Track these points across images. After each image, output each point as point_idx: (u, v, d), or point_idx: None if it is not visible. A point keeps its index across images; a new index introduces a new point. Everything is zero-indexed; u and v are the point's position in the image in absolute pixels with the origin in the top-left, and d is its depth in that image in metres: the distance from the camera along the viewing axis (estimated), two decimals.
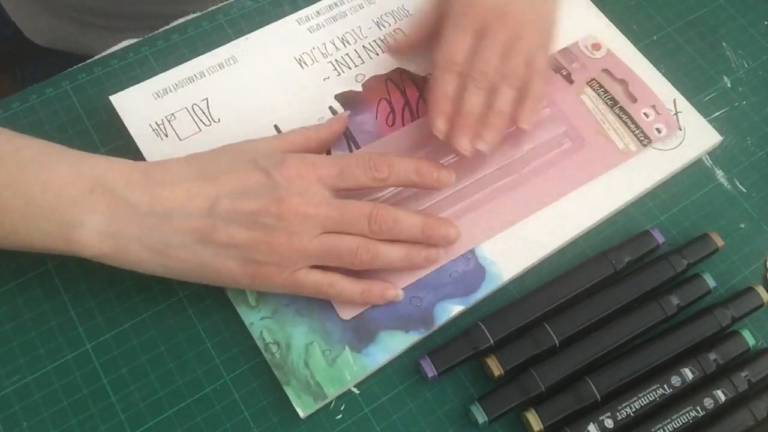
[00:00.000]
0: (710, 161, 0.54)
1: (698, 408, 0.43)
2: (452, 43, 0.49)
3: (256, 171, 0.42)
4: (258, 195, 0.41)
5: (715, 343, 0.45)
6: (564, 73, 0.55)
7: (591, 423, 0.42)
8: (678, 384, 0.44)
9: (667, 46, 0.58)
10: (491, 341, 0.44)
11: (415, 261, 0.45)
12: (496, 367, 0.44)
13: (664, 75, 0.55)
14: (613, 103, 0.53)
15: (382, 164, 0.44)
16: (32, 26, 0.70)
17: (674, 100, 0.54)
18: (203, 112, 0.51)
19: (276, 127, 0.51)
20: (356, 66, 0.54)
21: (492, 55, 0.48)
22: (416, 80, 0.54)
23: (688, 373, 0.44)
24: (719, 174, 0.53)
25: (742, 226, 0.51)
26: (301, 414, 0.42)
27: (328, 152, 0.50)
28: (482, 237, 0.48)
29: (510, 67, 0.48)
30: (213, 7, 0.57)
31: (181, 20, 0.56)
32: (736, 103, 0.56)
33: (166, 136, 0.50)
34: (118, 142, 0.50)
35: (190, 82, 0.52)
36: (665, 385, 0.43)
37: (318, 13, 0.56)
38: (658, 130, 0.52)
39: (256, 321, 0.45)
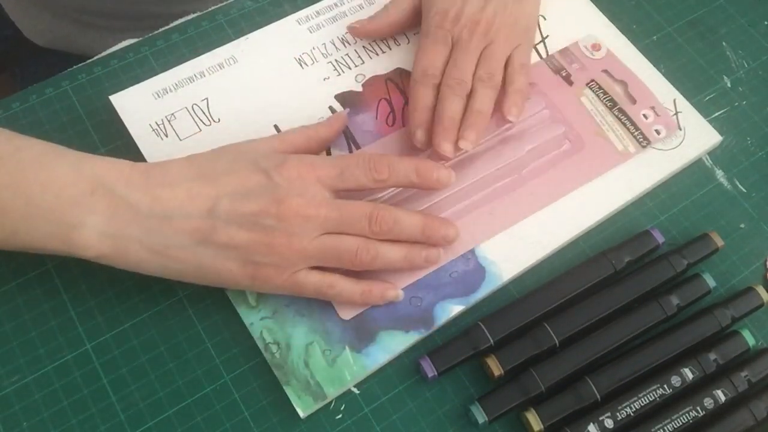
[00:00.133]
0: (710, 161, 0.54)
1: (698, 408, 0.43)
2: (428, 56, 0.50)
3: (256, 172, 0.42)
4: (258, 196, 0.41)
5: (715, 343, 0.45)
6: (564, 75, 0.55)
7: (591, 423, 0.42)
8: (678, 384, 0.44)
9: (667, 46, 0.58)
10: (491, 341, 0.44)
11: (415, 261, 0.45)
12: (496, 367, 0.44)
13: (664, 75, 0.55)
14: (612, 104, 0.53)
15: (382, 165, 0.44)
16: (32, 26, 0.70)
17: (674, 100, 0.54)
18: (203, 112, 0.51)
19: (276, 127, 0.51)
20: (356, 66, 0.54)
21: (467, 63, 0.49)
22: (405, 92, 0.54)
23: (688, 373, 0.44)
24: (719, 174, 0.53)
25: (742, 226, 0.51)
26: (301, 414, 0.42)
27: (329, 152, 0.50)
28: (482, 237, 0.48)
29: (486, 70, 0.49)
30: (213, 7, 0.57)
31: (181, 20, 0.56)
32: (736, 103, 0.56)
33: (166, 136, 0.50)
34: (118, 142, 0.50)
35: (190, 82, 0.52)
36: (665, 385, 0.43)
37: (318, 13, 0.56)
38: (657, 132, 0.52)
39: (256, 321, 0.45)
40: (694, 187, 0.52)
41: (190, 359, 0.44)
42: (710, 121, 0.54)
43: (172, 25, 0.56)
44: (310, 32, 0.55)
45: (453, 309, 0.46)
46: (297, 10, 0.56)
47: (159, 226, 0.41)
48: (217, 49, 0.54)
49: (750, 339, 0.45)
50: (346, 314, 0.45)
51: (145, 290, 0.46)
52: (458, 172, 0.48)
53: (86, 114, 0.52)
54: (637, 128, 0.52)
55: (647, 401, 0.43)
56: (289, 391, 0.43)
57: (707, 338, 0.45)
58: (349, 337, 0.44)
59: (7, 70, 0.74)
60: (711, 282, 0.47)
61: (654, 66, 0.55)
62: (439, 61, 0.50)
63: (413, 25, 0.54)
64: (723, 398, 0.43)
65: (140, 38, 0.55)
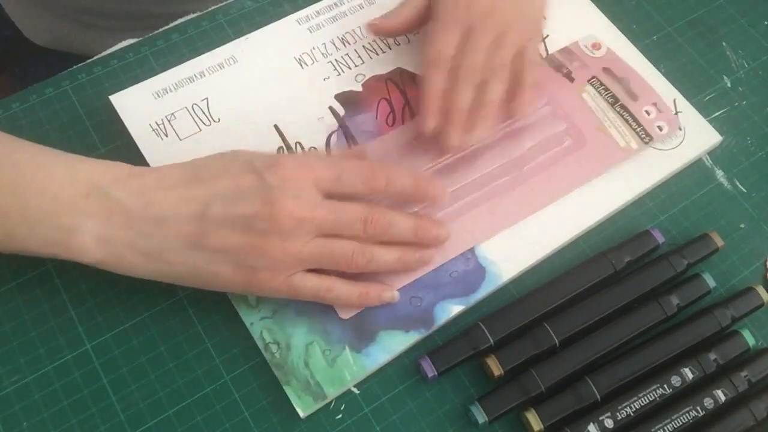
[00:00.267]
0: (710, 161, 0.54)
1: (698, 408, 0.43)
2: (440, 42, 0.49)
3: (249, 172, 0.41)
4: (251, 198, 0.41)
5: (715, 343, 0.45)
6: (564, 72, 0.55)
7: (591, 423, 0.42)
8: (678, 384, 0.44)
9: (667, 46, 0.58)
10: (491, 341, 0.44)
11: (409, 263, 0.45)
12: (496, 367, 0.44)
13: (664, 75, 0.55)
14: (614, 100, 0.53)
15: (380, 175, 0.43)
16: (32, 26, 0.70)
17: (674, 100, 0.54)
18: (203, 112, 0.51)
19: (276, 127, 0.51)
20: (356, 66, 0.54)
21: (479, 51, 0.49)
22: (416, 80, 0.54)
23: (688, 373, 0.44)
24: (719, 174, 0.53)
25: (742, 226, 0.51)
26: (301, 414, 0.42)
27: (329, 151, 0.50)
28: (483, 236, 0.48)
29: (498, 60, 0.49)
30: (213, 7, 0.57)
31: (181, 20, 0.56)
32: (736, 103, 0.56)
33: (166, 135, 0.50)
34: (118, 142, 0.50)
35: (190, 82, 0.52)
36: (665, 385, 0.43)
37: (318, 13, 0.56)
38: (660, 128, 0.52)
39: (256, 321, 0.45)
40: (694, 187, 0.52)
41: (190, 359, 0.44)
42: (710, 121, 0.54)
43: (172, 25, 0.56)
44: (310, 32, 0.55)
45: (453, 309, 0.46)
46: (297, 10, 0.56)
47: (152, 229, 0.41)
48: (217, 49, 0.54)
49: (750, 339, 0.45)
50: (345, 314, 0.45)
51: (145, 290, 0.46)
52: (459, 169, 0.49)
53: (86, 114, 0.52)
54: (639, 124, 0.52)
55: (647, 401, 0.43)
56: (289, 391, 0.43)
57: (707, 338, 0.45)
58: (349, 337, 0.44)
59: (7, 70, 0.74)
60: (711, 282, 0.47)
61: (654, 66, 0.55)
62: (451, 46, 0.49)
63: (426, 22, 0.53)
64: (723, 398, 0.43)
65: (140, 38, 0.55)
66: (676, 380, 0.44)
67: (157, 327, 0.45)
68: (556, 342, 0.44)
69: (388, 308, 0.45)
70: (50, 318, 0.45)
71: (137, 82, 0.52)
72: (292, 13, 0.56)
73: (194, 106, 0.51)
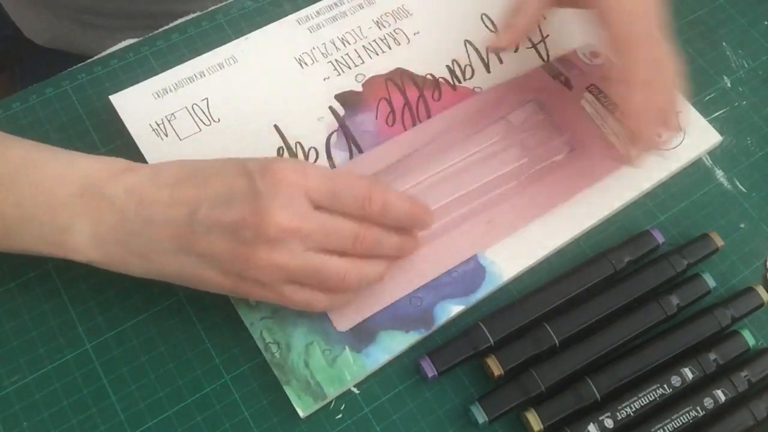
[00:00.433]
0: (710, 161, 0.54)
1: (698, 408, 0.43)
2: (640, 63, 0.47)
3: (241, 176, 0.40)
4: (240, 204, 0.39)
5: (715, 343, 0.45)
6: (562, 80, 0.54)
7: (591, 423, 0.42)
8: (678, 384, 0.44)
9: None
10: (491, 341, 0.44)
11: (387, 277, 0.45)
12: (496, 367, 0.44)
13: None
14: (614, 107, 0.53)
15: (377, 198, 0.41)
16: (32, 26, 0.70)
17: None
18: (203, 112, 0.51)
19: (276, 127, 0.51)
20: (356, 66, 0.54)
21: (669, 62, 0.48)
22: (416, 80, 0.54)
23: (688, 373, 0.44)
24: (719, 174, 0.53)
25: (742, 226, 0.51)
26: (301, 414, 0.42)
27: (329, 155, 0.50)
28: (482, 246, 0.47)
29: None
30: (213, 7, 0.57)
31: (181, 20, 0.56)
32: (736, 103, 0.56)
33: (166, 135, 0.50)
34: (118, 142, 0.50)
35: (190, 82, 0.52)
36: (665, 385, 0.43)
37: (318, 13, 0.56)
38: (659, 135, 0.51)
39: (256, 321, 0.45)
40: (694, 187, 0.52)
41: (190, 359, 0.44)
42: (710, 121, 0.54)
43: (172, 25, 0.56)
44: (310, 32, 0.55)
45: (453, 309, 0.46)
46: (297, 10, 0.56)
47: (142, 230, 0.40)
48: (217, 49, 0.54)
49: (750, 339, 0.45)
50: (342, 325, 0.45)
51: (145, 290, 0.46)
52: (459, 179, 0.49)
53: (86, 114, 0.52)
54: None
55: (647, 401, 0.43)
56: (289, 391, 0.43)
57: (707, 338, 0.45)
58: (349, 337, 0.44)
59: (7, 70, 0.74)
60: (711, 282, 0.47)
61: None
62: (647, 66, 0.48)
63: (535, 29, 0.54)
64: (723, 398, 0.43)
65: (140, 38, 0.55)
66: (676, 380, 0.44)
67: (157, 327, 0.45)
68: (556, 342, 0.44)
69: (388, 308, 0.45)
70: (50, 318, 0.45)
71: (137, 82, 0.52)
72: (292, 13, 0.56)
73: (194, 106, 0.51)
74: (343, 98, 0.53)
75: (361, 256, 0.42)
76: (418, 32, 0.56)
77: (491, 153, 0.51)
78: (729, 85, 0.57)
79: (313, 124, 0.51)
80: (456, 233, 0.48)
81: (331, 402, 0.44)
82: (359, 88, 0.53)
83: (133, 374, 0.44)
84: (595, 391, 0.43)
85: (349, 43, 0.55)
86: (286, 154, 0.50)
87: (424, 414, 0.44)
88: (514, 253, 0.48)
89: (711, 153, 0.54)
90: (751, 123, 0.55)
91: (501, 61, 0.55)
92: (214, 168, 0.41)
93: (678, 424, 0.42)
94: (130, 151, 0.49)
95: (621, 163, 0.51)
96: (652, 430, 0.42)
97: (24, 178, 0.41)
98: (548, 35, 0.56)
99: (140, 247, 0.41)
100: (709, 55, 0.58)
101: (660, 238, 0.48)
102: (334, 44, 0.55)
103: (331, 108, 0.52)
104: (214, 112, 0.51)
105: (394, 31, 0.56)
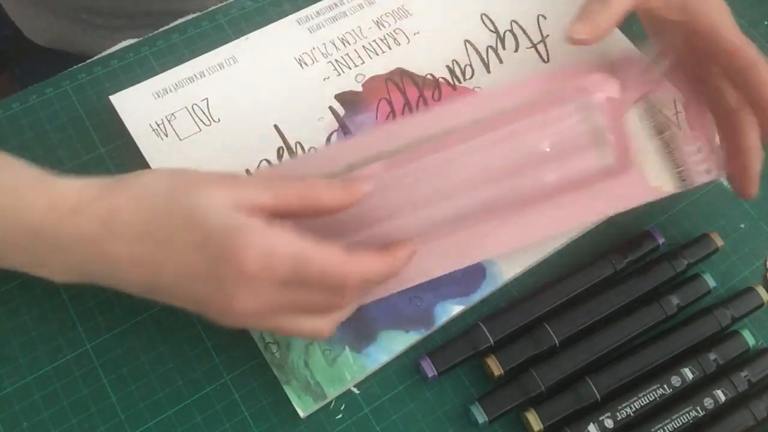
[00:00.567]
0: None
1: (698, 408, 0.43)
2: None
3: (203, 256, 0.36)
4: (202, 284, 0.37)
5: (715, 343, 0.45)
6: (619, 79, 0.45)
7: (591, 423, 0.42)
8: (678, 384, 0.44)
9: None
10: (491, 341, 0.44)
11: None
12: (496, 367, 0.44)
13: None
14: (662, 128, 0.45)
15: (354, 281, 0.37)
16: (32, 26, 0.70)
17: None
18: (203, 112, 0.51)
19: (276, 127, 0.51)
20: (356, 66, 0.54)
21: None
22: (416, 80, 0.54)
23: (688, 373, 0.44)
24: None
25: (742, 226, 0.51)
26: (301, 414, 0.42)
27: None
28: (490, 253, 0.46)
29: None
30: (213, 7, 0.57)
31: (181, 20, 0.56)
32: None
33: (166, 135, 0.50)
34: (118, 142, 0.50)
35: (190, 82, 0.52)
36: (665, 385, 0.43)
37: (318, 13, 0.56)
38: (708, 171, 0.44)
39: None
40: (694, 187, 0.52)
41: (190, 359, 0.44)
42: None
43: (172, 25, 0.56)
44: (310, 32, 0.55)
45: (453, 309, 0.46)
46: (297, 10, 0.56)
47: (108, 277, 0.39)
48: (217, 49, 0.54)
49: (750, 339, 0.45)
50: None
51: None
52: (480, 187, 0.43)
53: (86, 114, 0.52)
54: (681, 164, 0.45)
55: (647, 401, 0.43)
56: (289, 391, 0.43)
57: (707, 338, 0.45)
58: (349, 337, 0.44)
59: (7, 70, 0.74)
60: (711, 282, 0.47)
61: None
62: None
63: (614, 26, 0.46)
64: (723, 398, 0.43)
65: (140, 38, 0.55)
66: (676, 380, 0.44)
67: (157, 327, 0.45)
68: (556, 342, 0.44)
69: (388, 308, 0.45)
70: (50, 318, 0.45)
71: (137, 82, 0.52)
72: (292, 13, 0.56)
73: (194, 106, 0.51)
74: (343, 98, 0.53)
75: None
76: (418, 32, 0.56)
77: (518, 156, 0.43)
78: None
79: (313, 124, 0.51)
80: (464, 236, 0.44)
81: (331, 402, 0.44)
82: (359, 88, 0.53)
83: (133, 374, 0.44)
84: (595, 391, 0.43)
85: (349, 43, 0.55)
86: (286, 154, 0.50)
87: (424, 414, 0.44)
88: (514, 253, 0.48)
89: None
90: None
91: (499, 62, 0.55)
92: (173, 227, 0.37)
93: (678, 424, 0.42)
94: (130, 151, 0.49)
95: (649, 197, 0.45)
96: (652, 430, 0.42)
97: (4, 203, 0.39)
98: (548, 35, 0.56)
99: (112, 285, 0.39)
100: None
101: (660, 238, 0.48)
102: (334, 44, 0.55)
103: (331, 108, 0.52)
104: (214, 112, 0.51)
105: (394, 31, 0.56)
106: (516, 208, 0.43)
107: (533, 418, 0.42)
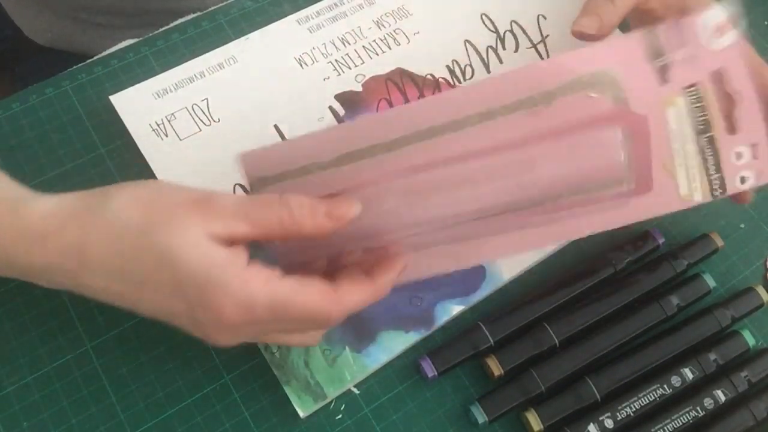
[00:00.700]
0: None
1: (698, 408, 0.43)
2: None
3: (180, 298, 0.35)
4: (183, 320, 0.37)
5: (715, 343, 0.45)
6: (660, 65, 0.36)
7: (591, 423, 0.42)
8: (678, 384, 0.44)
9: None
10: (491, 341, 0.44)
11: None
12: (496, 367, 0.44)
13: None
14: (704, 128, 0.37)
15: (337, 319, 0.37)
16: (32, 25, 0.70)
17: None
18: (203, 112, 0.51)
19: (276, 127, 0.51)
20: (356, 66, 0.54)
21: None
22: (416, 80, 0.54)
23: (688, 373, 0.44)
24: None
25: (742, 226, 0.51)
26: (301, 414, 0.42)
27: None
28: (488, 258, 0.46)
29: None
30: (213, 7, 0.57)
31: (181, 20, 0.56)
32: None
33: (166, 135, 0.50)
34: (118, 142, 0.50)
35: (190, 82, 0.52)
36: (665, 386, 0.43)
37: (318, 13, 0.56)
38: (743, 180, 0.38)
39: None
40: None
41: (190, 359, 0.44)
42: None
43: (172, 25, 0.56)
44: (310, 32, 0.55)
45: (453, 309, 0.46)
46: (297, 10, 0.56)
47: (90, 294, 0.38)
48: (217, 49, 0.54)
49: (750, 339, 0.45)
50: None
51: None
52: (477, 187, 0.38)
53: (86, 114, 0.52)
54: (718, 170, 0.38)
55: (647, 401, 0.43)
56: (289, 391, 0.43)
57: (707, 338, 0.45)
58: (349, 337, 0.44)
59: (7, 70, 0.74)
60: (711, 282, 0.47)
61: None
62: None
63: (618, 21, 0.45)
64: (723, 398, 0.43)
65: (140, 38, 0.55)
66: (676, 380, 0.44)
67: (157, 327, 0.45)
68: (556, 342, 0.44)
69: (388, 308, 0.45)
70: (50, 318, 0.45)
71: (137, 82, 0.52)
72: (292, 13, 0.56)
73: (194, 106, 0.51)
74: (343, 98, 0.53)
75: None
76: (418, 32, 0.56)
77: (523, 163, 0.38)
78: None
79: (313, 124, 0.51)
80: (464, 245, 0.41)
81: (331, 402, 0.44)
82: (359, 88, 0.53)
83: (133, 374, 0.44)
84: (595, 391, 0.43)
85: (349, 43, 0.55)
86: None
87: (424, 414, 0.44)
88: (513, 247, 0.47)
89: None
90: None
91: (499, 62, 0.55)
92: (147, 268, 0.35)
93: (678, 425, 0.42)
94: (130, 151, 0.49)
95: (676, 206, 0.39)
96: (652, 430, 0.42)
97: None
98: (548, 35, 0.56)
99: (98, 300, 0.39)
100: None
101: (660, 238, 0.48)
102: (334, 44, 0.55)
103: (331, 108, 0.52)
104: (214, 112, 0.51)
105: (394, 31, 0.56)
106: (519, 228, 0.39)
107: (533, 418, 0.42)
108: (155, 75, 0.52)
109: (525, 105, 0.35)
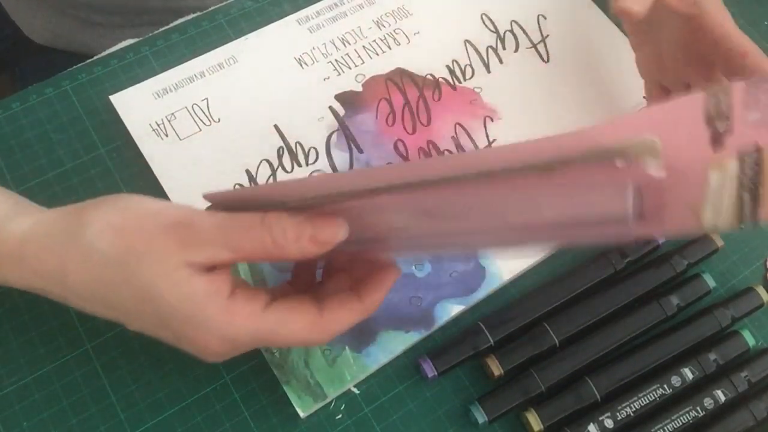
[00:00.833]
0: None
1: (698, 408, 0.43)
2: None
3: (164, 329, 0.36)
4: (170, 342, 0.37)
5: (715, 343, 0.45)
6: (715, 129, 0.29)
7: (591, 423, 0.42)
8: (678, 384, 0.44)
9: None
10: (491, 341, 0.44)
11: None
12: (496, 367, 0.44)
13: None
14: (737, 212, 0.31)
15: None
16: (31, 24, 0.70)
17: None
18: (203, 112, 0.51)
19: (276, 127, 0.51)
20: (356, 66, 0.54)
21: None
22: (416, 80, 0.54)
23: (688, 373, 0.44)
24: None
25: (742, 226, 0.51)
26: (301, 414, 0.42)
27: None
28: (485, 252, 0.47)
29: None
30: (213, 7, 0.57)
31: (181, 20, 0.56)
32: None
33: (166, 135, 0.50)
34: (118, 142, 0.50)
35: (190, 82, 0.52)
36: (665, 385, 0.43)
37: (318, 13, 0.56)
38: None
39: None
40: None
41: (189, 359, 0.44)
42: None
43: (172, 25, 0.56)
44: (310, 32, 0.55)
45: (453, 309, 0.46)
46: (297, 10, 0.56)
47: (78, 308, 0.38)
48: (217, 49, 0.54)
49: (750, 339, 0.45)
50: None
51: None
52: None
53: (86, 114, 0.52)
54: (753, 198, 0.31)
55: (647, 401, 0.43)
56: (289, 391, 0.43)
57: (707, 338, 0.45)
58: (349, 337, 0.44)
59: (7, 69, 0.74)
60: (711, 282, 0.47)
61: None
62: None
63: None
64: (723, 398, 0.43)
65: (140, 38, 0.55)
66: (676, 380, 0.44)
67: None
68: (556, 342, 0.44)
69: (388, 308, 0.45)
70: (50, 318, 0.45)
71: (137, 82, 0.52)
72: (292, 13, 0.56)
73: (194, 106, 0.51)
74: (343, 98, 0.53)
75: None
76: (418, 32, 0.56)
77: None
78: None
79: (313, 124, 0.51)
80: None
81: (331, 402, 0.44)
82: (359, 88, 0.53)
83: (133, 374, 0.44)
84: (595, 391, 0.43)
85: (349, 43, 0.55)
86: (286, 154, 0.50)
87: (424, 414, 0.44)
88: (514, 253, 0.48)
89: None
90: None
91: (499, 62, 0.55)
92: (128, 300, 0.35)
93: (678, 425, 0.42)
94: (130, 151, 0.49)
95: (695, 231, 0.35)
96: (652, 430, 0.42)
97: None
98: (548, 35, 0.56)
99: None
100: None
101: (660, 238, 0.48)
102: (334, 44, 0.55)
103: (331, 108, 0.52)
104: (214, 112, 0.51)
105: (394, 31, 0.56)
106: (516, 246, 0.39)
107: (533, 418, 0.42)
108: (155, 75, 0.52)
109: (539, 169, 0.30)
